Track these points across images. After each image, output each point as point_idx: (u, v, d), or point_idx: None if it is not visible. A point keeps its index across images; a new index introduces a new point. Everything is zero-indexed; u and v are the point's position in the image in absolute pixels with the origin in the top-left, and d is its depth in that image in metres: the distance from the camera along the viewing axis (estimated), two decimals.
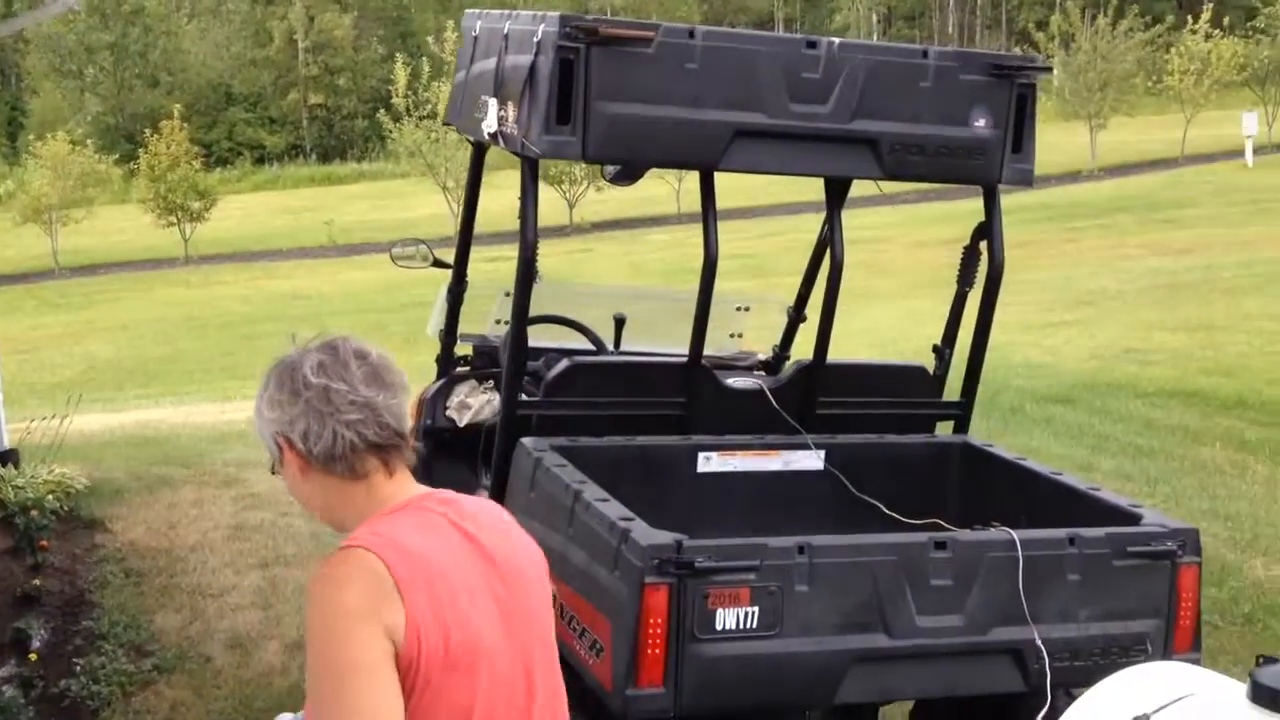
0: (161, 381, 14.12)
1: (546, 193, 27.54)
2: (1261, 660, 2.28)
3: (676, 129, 3.62)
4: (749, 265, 20.16)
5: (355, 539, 1.98)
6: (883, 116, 3.77)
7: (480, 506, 2.17)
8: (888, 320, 14.28)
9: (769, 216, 26.59)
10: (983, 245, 4.23)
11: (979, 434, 8.61)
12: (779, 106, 3.68)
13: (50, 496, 7.35)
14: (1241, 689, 2.29)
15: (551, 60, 3.48)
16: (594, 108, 3.53)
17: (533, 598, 2.11)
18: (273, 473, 2.11)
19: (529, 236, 3.75)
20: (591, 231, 27.86)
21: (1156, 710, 2.31)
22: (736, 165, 3.76)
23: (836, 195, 4.14)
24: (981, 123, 3.86)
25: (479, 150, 4.52)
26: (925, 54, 3.84)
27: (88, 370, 14.37)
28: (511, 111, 3.69)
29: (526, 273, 3.82)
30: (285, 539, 6.23)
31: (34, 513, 7.02)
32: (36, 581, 6.25)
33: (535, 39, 3.54)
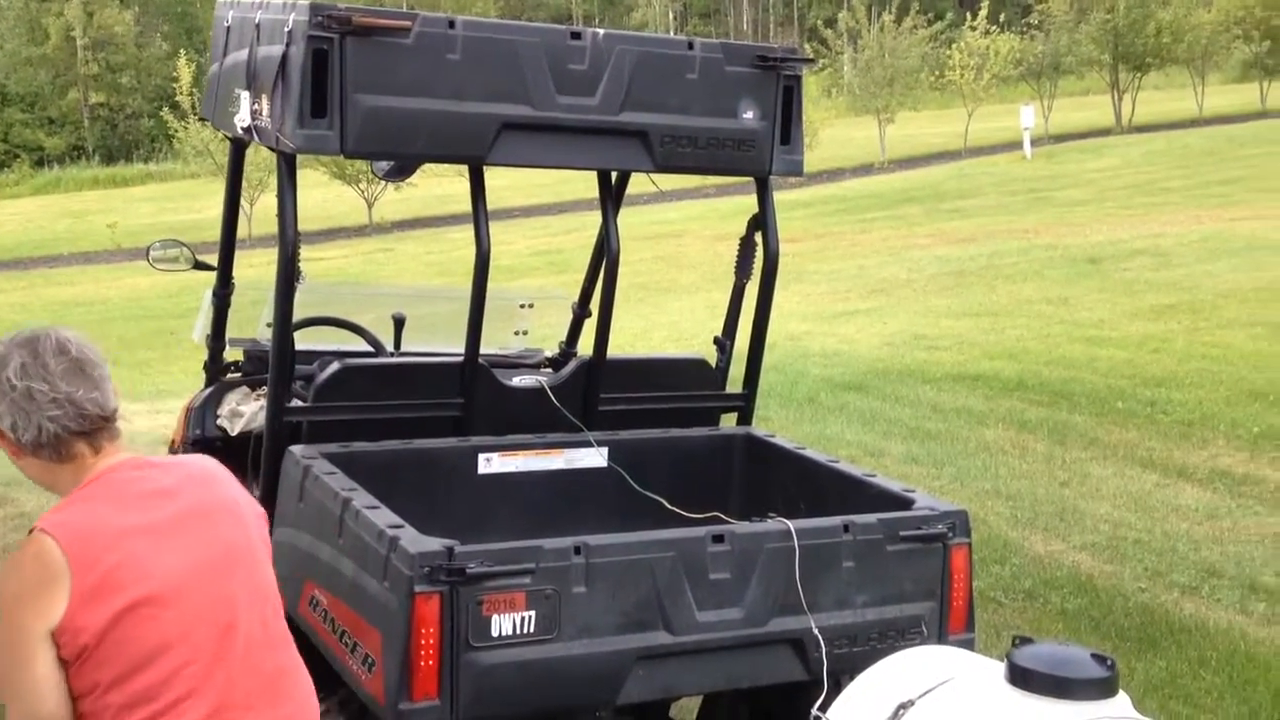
0: None
1: (345, 191, 26.98)
2: (1017, 641, 2.33)
3: (440, 122, 3.52)
4: (553, 261, 20.10)
5: (39, 522, 2.28)
6: (651, 108, 3.74)
7: (181, 463, 2.51)
8: (688, 314, 14.42)
9: (572, 213, 26.60)
10: (758, 236, 4.24)
11: (778, 424, 8.79)
12: (546, 99, 3.61)
13: None
14: (1000, 669, 2.33)
15: (303, 51, 3.34)
16: (351, 100, 3.40)
17: (235, 543, 2.40)
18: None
19: (289, 235, 3.60)
20: (392, 231, 27.35)
21: (920, 695, 2.33)
22: (505, 159, 3.68)
23: (610, 189, 4.10)
24: (750, 114, 3.87)
25: (237, 146, 4.33)
26: (691, 45, 3.83)
27: None
28: (265, 105, 3.53)
29: (288, 274, 3.66)
30: None
31: None
32: None
33: (286, 29, 3.39)
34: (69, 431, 2.30)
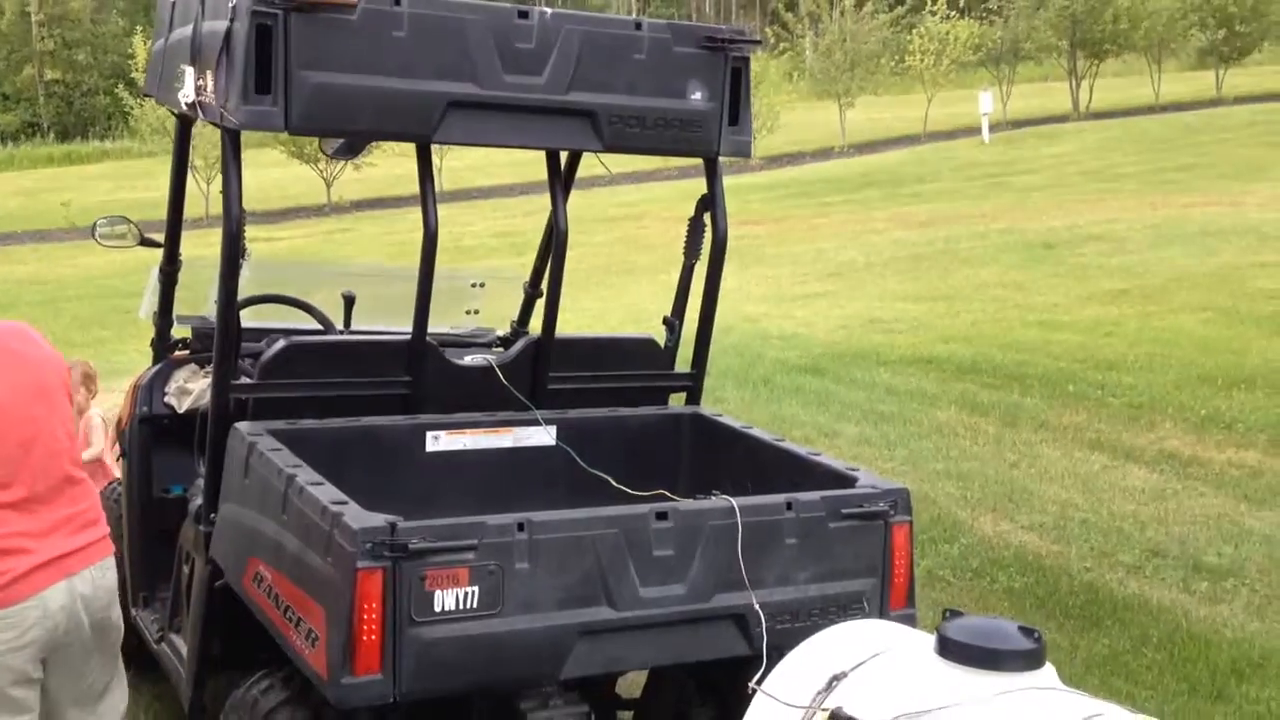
0: None
1: (303, 171, 26.78)
2: (947, 615, 2.36)
3: (386, 100, 3.51)
4: (513, 243, 20.04)
5: None
6: (599, 88, 3.75)
7: (5, 323, 3.32)
8: (647, 296, 14.43)
9: (532, 195, 26.51)
10: (707, 217, 4.26)
11: (734, 405, 8.82)
12: (493, 77, 3.61)
13: None
14: (931, 641, 2.37)
15: (247, 26, 3.32)
16: (296, 77, 3.38)
17: (40, 382, 3.25)
18: None
19: (234, 212, 3.58)
20: (351, 211, 27.21)
21: (853, 667, 2.37)
22: (452, 137, 3.67)
23: (558, 169, 4.10)
24: (698, 95, 3.88)
25: (183, 123, 4.30)
26: (639, 25, 3.83)
27: None
28: (210, 80, 3.51)
29: (232, 251, 3.64)
30: None
31: None
32: None
33: (231, 4, 3.37)
34: None
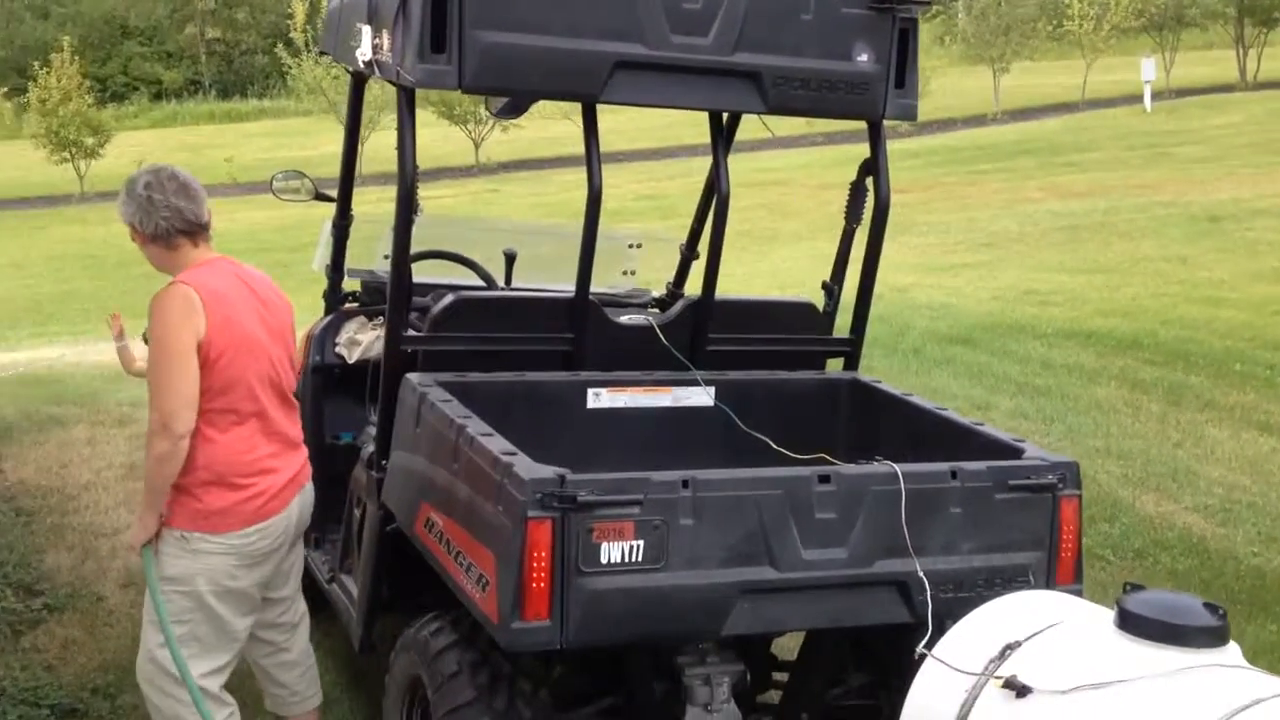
0: (57, 320, 13.72)
1: (452, 132, 27.16)
2: (1128, 588, 2.32)
3: (555, 59, 3.56)
4: (659, 206, 20.09)
5: (177, 279, 3.54)
6: (765, 50, 3.73)
7: (257, 271, 3.81)
8: (791, 262, 14.34)
9: (679, 158, 26.52)
10: (869, 181, 4.22)
11: (884, 374, 8.72)
12: (660, 38, 3.62)
13: None
14: (1110, 615, 2.33)
15: None
16: (469, 36, 3.44)
17: (282, 319, 3.77)
18: (132, 240, 3.67)
19: (408, 168, 3.67)
20: (498, 172, 27.54)
21: (1028, 637, 2.34)
22: (618, 97, 3.70)
23: (720, 130, 4.10)
24: (864, 57, 3.84)
25: (357, 80, 4.41)
26: None
27: None
28: (386, 39, 3.59)
29: (406, 206, 3.74)
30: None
31: None
32: None
33: None
34: (175, 230, 3.57)
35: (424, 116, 26.41)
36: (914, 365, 9.49)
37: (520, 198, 22.74)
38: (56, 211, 24.65)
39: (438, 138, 27.44)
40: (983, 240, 15.60)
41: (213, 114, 44.01)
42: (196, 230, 3.60)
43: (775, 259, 15.04)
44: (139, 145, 31.99)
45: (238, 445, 3.59)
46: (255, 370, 3.60)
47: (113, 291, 15.99)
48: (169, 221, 3.55)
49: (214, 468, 3.55)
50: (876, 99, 3.92)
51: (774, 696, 4.07)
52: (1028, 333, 10.41)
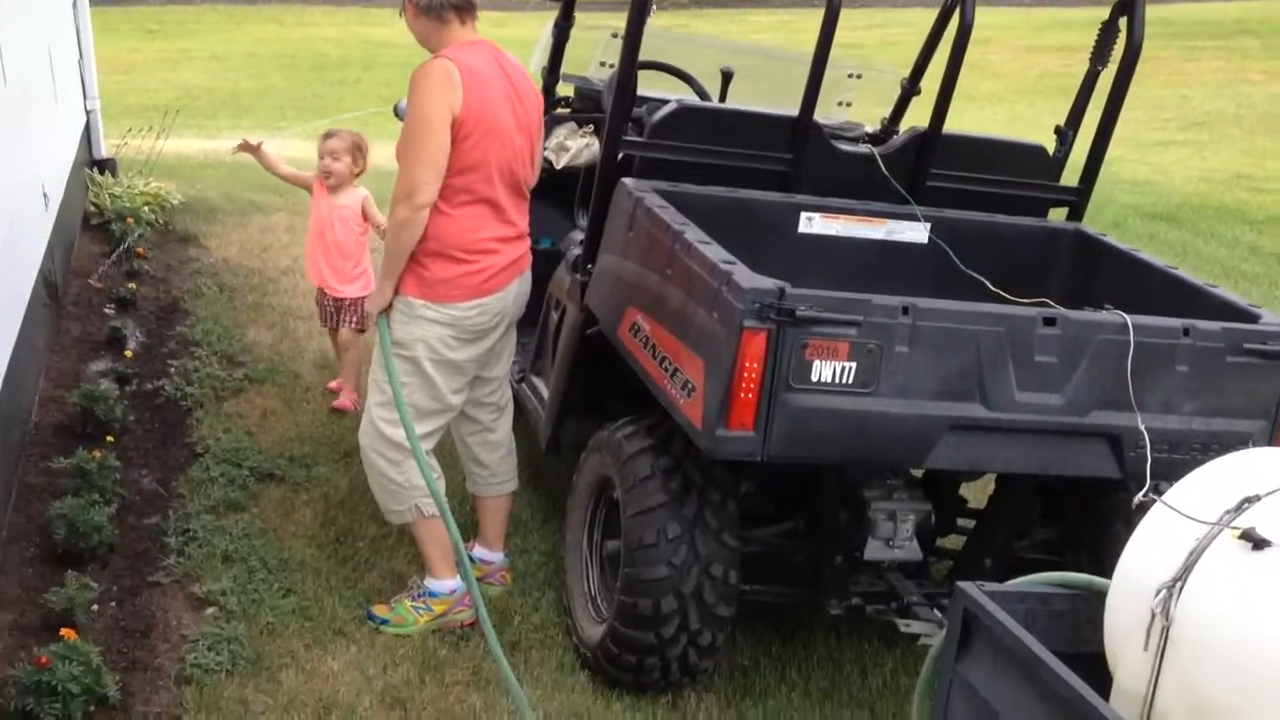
0: (253, 114, 14.04)
1: None
2: None
3: None
4: (853, 56, 19.47)
5: (440, 54, 3.60)
6: None
7: (516, 60, 3.82)
8: (988, 124, 13.82)
9: (876, 7, 25.63)
10: (1122, 22, 3.98)
11: None
12: None
13: (146, 208, 7.46)
14: None
15: None
16: None
17: (531, 114, 3.81)
18: (400, 16, 3.74)
19: None
20: (689, 7, 27.02)
21: (1270, 493, 2.25)
22: None
23: None
24: None
25: None
26: None
27: (182, 96, 14.26)
28: None
29: (641, 4, 3.66)
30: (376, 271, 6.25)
31: (130, 220, 7.11)
32: (132, 286, 6.37)
33: None
34: (447, 3, 3.62)
35: None
36: (1114, 238, 9.12)
37: (719, 34, 22.33)
38: (255, 9, 25.08)
39: None
40: (1195, 119, 14.84)
41: None
42: (465, 8, 3.66)
43: (969, 120, 14.47)
44: None
45: (466, 223, 3.69)
46: (497, 157, 3.66)
47: (304, 92, 16.33)
48: None
49: (441, 239, 3.67)
50: None
51: (955, 542, 4.05)
52: (1236, 216, 9.93)
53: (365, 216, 5.32)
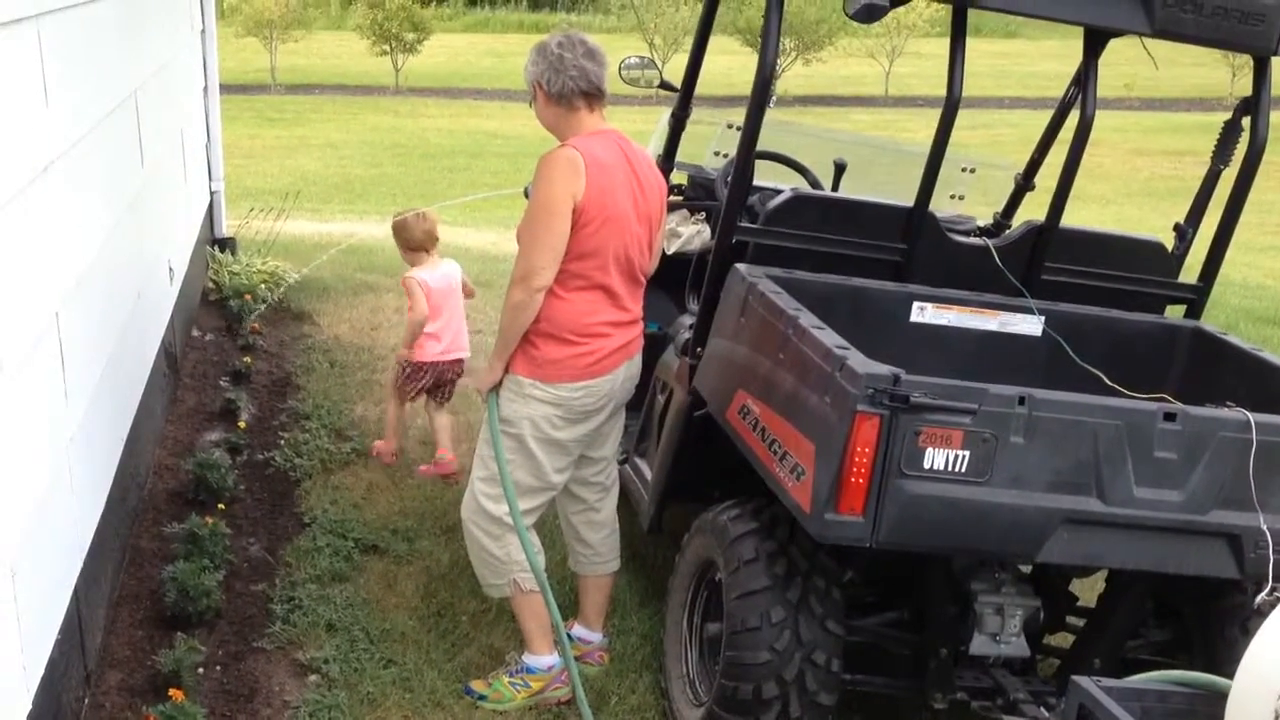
0: (366, 200, 14.42)
1: (750, 58, 27.07)
2: None
3: None
4: (960, 153, 19.43)
5: (567, 143, 3.68)
6: None
7: (641, 150, 3.89)
8: (1097, 224, 13.67)
9: (979, 109, 25.66)
10: (1245, 121, 3.96)
11: None
12: None
13: (263, 285, 7.67)
14: None
15: None
16: None
17: (652, 203, 3.84)
18: (530, 105, 3.82)
19: (769, 57, 3.65)
20: (794, 105, 27.27)
21: None
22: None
23: (1095, 47, 3.91)
24: None
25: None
26: None
27: (298, 181, 14.72)
28: None
29: (761, 95, 3.73)
30: (478, 354, 6.35)
31: (247, 297, 7.33)
32: (247, 359, 6.54)
33: None
34: (578, 91, 3.70)
35: (731, 44, 26.23)
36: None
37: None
38: (372, 100, 25.84)
39: (737, 66, 27.39)
40: None
41: (521, 23, 45.18)
42: (595, 95, 3.72)
43: (1078, 220, 14.37)
44: (449, 47, 33.29)
45: (580, 307, 3.75)
46: (615, 246, 3.72)
47: (416, 180, 16.73)
48: (575, 82, 3.67)
49: (554, 321, 3.74)
50: (1271, 33, 3.68)
51: (1064, 640, 3.95)
52: None
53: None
